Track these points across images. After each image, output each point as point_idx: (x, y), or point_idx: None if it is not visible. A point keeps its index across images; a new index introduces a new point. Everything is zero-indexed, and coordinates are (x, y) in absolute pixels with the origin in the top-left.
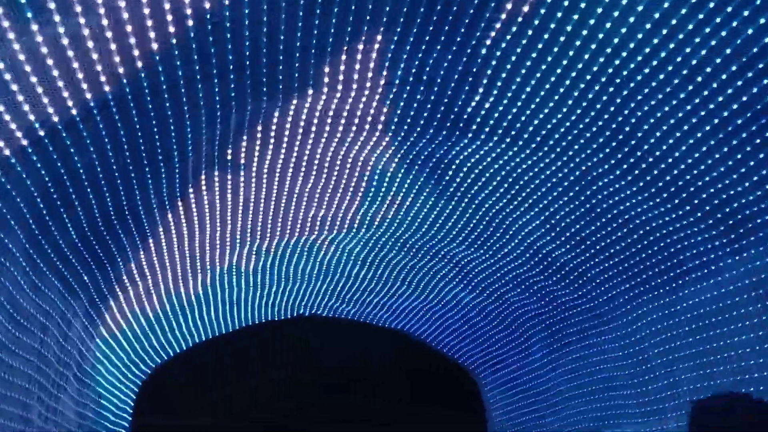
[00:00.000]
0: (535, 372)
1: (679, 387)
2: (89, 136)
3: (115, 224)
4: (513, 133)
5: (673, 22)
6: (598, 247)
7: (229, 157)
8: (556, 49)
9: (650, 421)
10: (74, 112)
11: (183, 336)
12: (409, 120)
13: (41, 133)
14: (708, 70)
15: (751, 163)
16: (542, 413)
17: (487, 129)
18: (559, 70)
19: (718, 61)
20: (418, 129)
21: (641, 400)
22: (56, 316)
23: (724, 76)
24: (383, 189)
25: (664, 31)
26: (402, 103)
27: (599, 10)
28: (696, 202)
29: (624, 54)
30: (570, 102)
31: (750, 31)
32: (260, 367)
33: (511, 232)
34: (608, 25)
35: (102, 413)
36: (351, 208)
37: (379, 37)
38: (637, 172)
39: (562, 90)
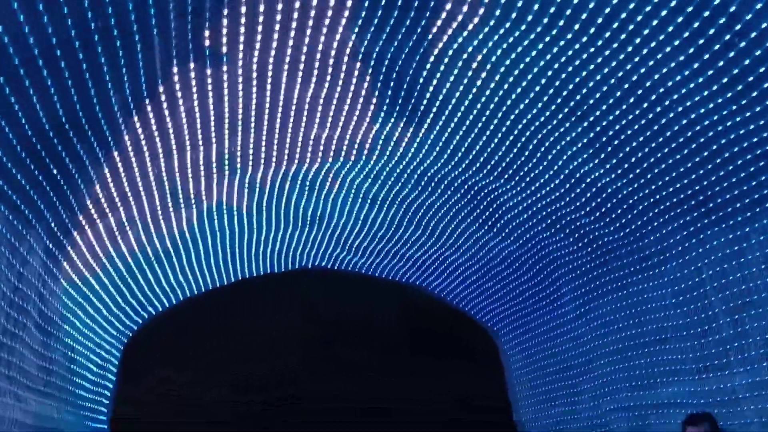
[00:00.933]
0: (564, 326)
1: (749, 338)
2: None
3: (70, 133)
4: (568, 13)
5: None
6: (656, 170)
7: (206, 43)
8: None
9: (710, 378)
10: None
11: (171, 288)
12: None
13: None
14: None
15: None
16: (571, 372)
17: (535, 7)
18: None
19: None
20: (447, 7)
21: (699, 354)
22: (4, 249)
23: None
24: (399, 100)
25: None
26: None
27: None
28: None
29: None
30: None
31: None
32: (260, 323)
33: (550, 157)
34: None
35: (76, 370)
36: (360, 126)
37: None
38: (721, 63)
39: None
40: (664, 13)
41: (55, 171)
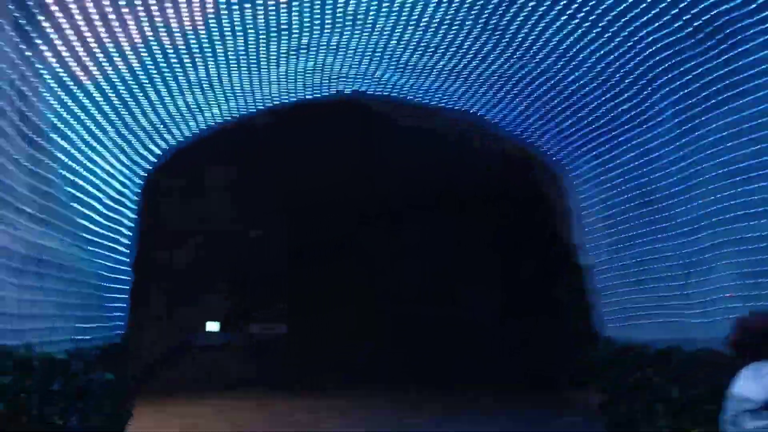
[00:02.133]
0: (658, 151)
1: None
2: None
3: None
4: None
5: None
6: None
7: None
8: None
9: None
10: None
11: (190, 109)
12: None
13: None
14: None
15: None
16: (660, 206)
17: None
18: None
19: None
20: None
21: None
22: None
23: None
24: None
25: None
26: None
27: None
28: None
29: None
30: None
31: None
32: (291, 163)
33: None
34: None
35: (81, 198)
36: None
37: None
38: None
39: None
40: None
41: None
